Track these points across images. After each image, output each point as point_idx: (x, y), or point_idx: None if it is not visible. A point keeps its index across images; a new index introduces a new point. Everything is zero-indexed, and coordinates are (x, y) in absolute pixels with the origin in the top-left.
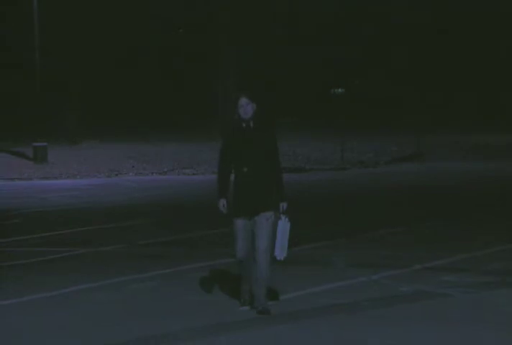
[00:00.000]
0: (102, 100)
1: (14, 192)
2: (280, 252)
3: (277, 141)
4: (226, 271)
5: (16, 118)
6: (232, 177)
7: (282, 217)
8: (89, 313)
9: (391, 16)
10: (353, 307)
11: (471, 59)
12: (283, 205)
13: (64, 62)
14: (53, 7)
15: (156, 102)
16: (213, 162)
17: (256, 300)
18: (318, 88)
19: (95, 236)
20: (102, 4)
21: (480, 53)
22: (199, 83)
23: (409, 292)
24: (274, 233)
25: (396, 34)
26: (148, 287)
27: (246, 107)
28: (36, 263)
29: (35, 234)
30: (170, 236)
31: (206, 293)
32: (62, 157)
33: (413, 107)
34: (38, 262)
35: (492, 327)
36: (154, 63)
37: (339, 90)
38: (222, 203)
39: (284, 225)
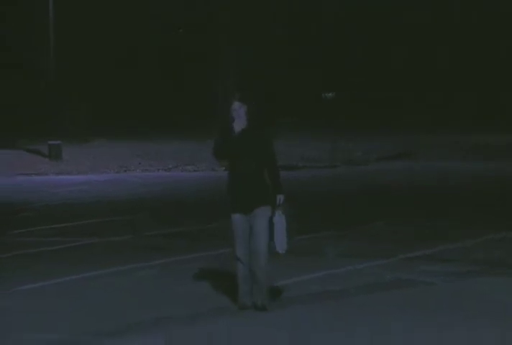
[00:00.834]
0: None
1: (31, 186)
2: (281, 246)
3: (274, 139)
4: (224, 261)
5: (30, 117)
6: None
7: (276, 212)
8: (93, 299)
9: (391, 16)
10: (341, 294)
11: (471, 59)
12: (280, 198)
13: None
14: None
15: (156, 102)
16: (213, 159)
17: (256, 299)
18: (318, 88)
19: (102, 227)
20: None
21: (480, 53)
22: (199, 83)
23: (393, 281)
24: (271, 228)
25: (396, 34)
26: (150, 275)
27: (238, 111)
28: (46, 252)
29: (47, 225)
30: (171, 229)
31: (205, 282)
32: (75, 155)
33: (413, 107)
34: (48, 251)
35: (469, 314)
36: (154, 63)
37: (330, 94)
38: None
39: (279, 219)
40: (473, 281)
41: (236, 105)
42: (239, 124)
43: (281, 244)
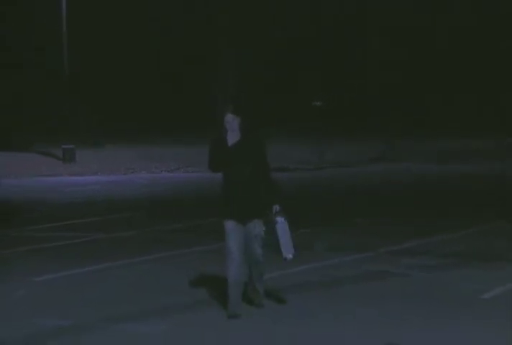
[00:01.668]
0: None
1: (46, 186)
2: (287, 251)
3: (266, 148)
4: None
5: (41, 120)
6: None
7: (279, 219)
8: (102, 289)
9: (390, 19)
10: (329, 285)
11: (471, 61)
12: (276, 208)
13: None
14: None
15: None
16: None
17: (254, 299)
18: (317, 91)
19: (109, 224)
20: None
21: (480, 54)
22: (198, 86)
23: (375, 272)
24: (275, 236)
25: (395, 36)
26: (155, 268)
27: (232, 123)
28: (59, 246)
29: (60, 222)
30: (173, 224)
31: (206, 272)
32: (86, 157)
33: (404, 115)
34: (61, 246)
35: (442, 303)
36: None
37: (318, 103)
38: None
39: (282, 225)
40: (446, 272)
41: (229, 117)
42: (232, 136)
43: (287, 249)
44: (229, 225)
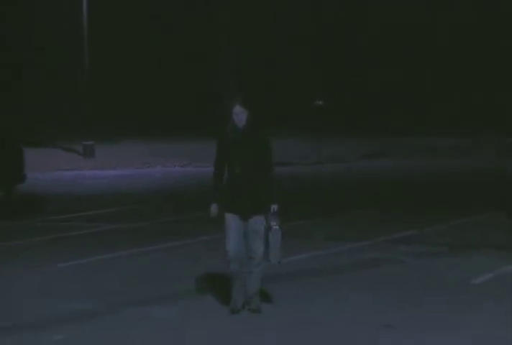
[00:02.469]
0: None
1: (68, 179)
2: (274, 257)
3: (271, 145)
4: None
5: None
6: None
7: (273, 226)
8: (119, 276)
9: (391, 17)
10: (329, 272)
11: (472, 59)
12: (274, 208)
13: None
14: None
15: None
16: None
17: (251, 302)
18: (317, 88)
19: (124, 215)
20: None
21: (481, 54)
22: (199, 83)
23: (373, 260)
24: (266, 238)
25: (396, 34)
26: (163, 256)
27: (240, 115)
28: (79, 235)
29: (80, 212)
30: (182, 216)
31: (211, 260)
32: (105, 153)
33: (405, 112)
34: (81, 235)
35: (434, 288)
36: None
37: (319, 102)
38: (214, 208)
39: (275, 233)
40: (438, 260)
41: (238, 109)
42: (238, 127)
43: (275, 255)
44: (230, 218)
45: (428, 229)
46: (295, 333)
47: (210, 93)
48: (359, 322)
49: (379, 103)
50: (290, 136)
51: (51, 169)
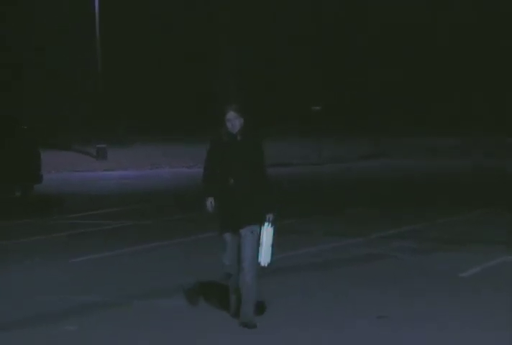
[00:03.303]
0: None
1: (82, 180)
2: (265, 258)
3: (262, 147)
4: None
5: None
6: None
7: (265, 224)
8: (131, 270)
9: (391, 17)
10: (327, 266)
11: (472, 59)
12: (269, 217)
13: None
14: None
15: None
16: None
17: (242, 315)
18: (318, 89)
19: (135, 212)
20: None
21: (480, 53)
22: (199, 83)
23: (366, 255)
24: (258, 240)
25: (396, 34)
26: (174, 251)
27: (234, 121)
28: (92, 232)
29: (93, 211)
30: (188, 214)
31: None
32: (117, 155)
33: (405, 112)
34: (93, 232)
35: (425, 281)
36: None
37: (317, 107)
38: (209, 201)
39: (267, 233)
40: (430, 255)
41: (231, 115)
42: (231, 134)
43: (265, 256)
44: (225, 237)
45: (422, 226)
46: (296, 326)
47: (210, 93)
48: (356, 313)
49: (379, 103)
50: (290, 137)
51: (66, 170)
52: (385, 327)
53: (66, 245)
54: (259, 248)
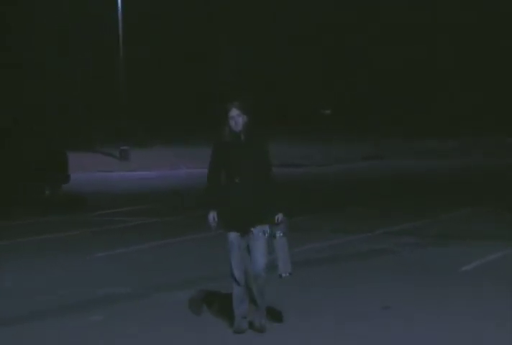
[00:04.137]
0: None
1: (105, 179)
2: (284, 269)
3: (269, 151)
4: None
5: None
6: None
7: (277, 233)
8: (150, 264)
9: (391, 16)
10: (333, 261)
11: (474, 58)
12: (278, 217)
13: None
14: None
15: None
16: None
17: (256, 319)
18: (318, 90)
19: (156, 210)
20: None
21: (481, 53)
22: (199, 83)
23: (371, 250)
24: (268, 247)
25: (395, 34)
26: (190, 247)
27: (237, 119)
28: (115, 229)
29: (116, 208)
30: (204, 212)
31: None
32: (139, 156)
33: (404, 112)
34: (117, 228)
35: (428, 275)
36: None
37: (327, 111)
38: (212, 216)
39: (281, 241)
40: (432, 249)
41: (234, 112)
42: (235, 132)
43: (284, 266)
44: (231, 238)
45: (423, 223)
46: (302, 318)
47: (210, 93)
48: (361, 304)
49: (379, 103)
50: (291, 137)
51: (91, 170)
52: (386, 316)
53: (92, 240)
54: (277, 259)
